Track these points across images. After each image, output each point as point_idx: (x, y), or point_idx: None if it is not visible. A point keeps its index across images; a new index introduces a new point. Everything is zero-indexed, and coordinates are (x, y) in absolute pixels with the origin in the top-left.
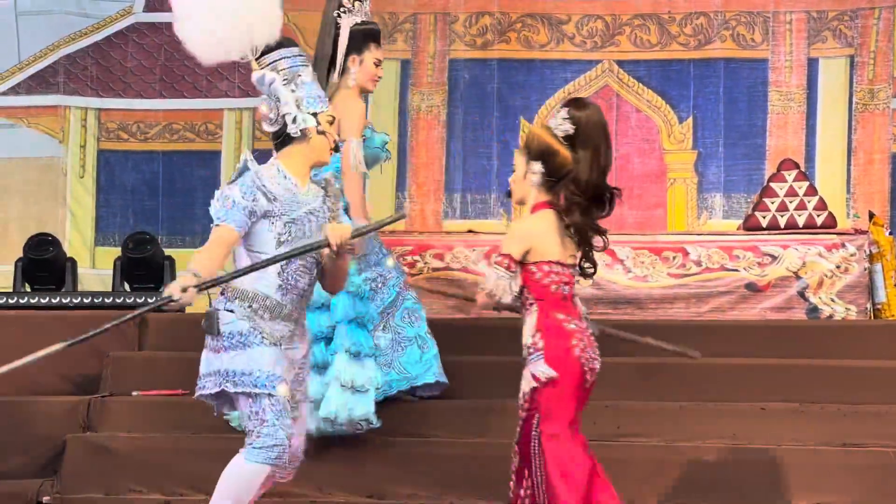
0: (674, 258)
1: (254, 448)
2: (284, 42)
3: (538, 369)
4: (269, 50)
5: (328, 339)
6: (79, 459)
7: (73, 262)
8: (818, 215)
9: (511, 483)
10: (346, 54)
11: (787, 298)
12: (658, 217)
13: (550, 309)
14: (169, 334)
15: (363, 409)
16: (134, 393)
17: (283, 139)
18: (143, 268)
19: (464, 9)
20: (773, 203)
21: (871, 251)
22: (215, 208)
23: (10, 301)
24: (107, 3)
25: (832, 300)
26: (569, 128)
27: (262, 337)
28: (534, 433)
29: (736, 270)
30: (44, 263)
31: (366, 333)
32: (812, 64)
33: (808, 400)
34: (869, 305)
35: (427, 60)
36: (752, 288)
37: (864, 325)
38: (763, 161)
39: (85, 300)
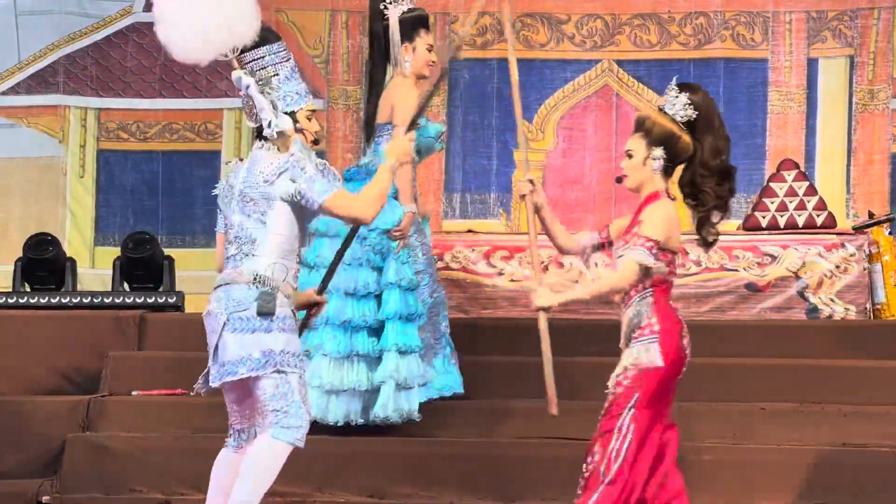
0: None
1: (282, 427)
2: (268, 37)
3: (649, 354)
4: (249, 48)
5: (371, 329)
6: (78, 459)
7: (73, 261)
8: (818, 215)
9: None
10: (399, 43)
11: (786, 298)
12: None
13: (665, 296)
14: (169, 334)
15: (408, 405)
16: (133, 393)
17: (262, 134)
18: (143, 267)
19: (463, 9)
20: (772, 203)
21: (870, 251)
22: (320, 185)
23: (10, 301)
24: (107, 3)
25: (832, 300)
26: (691, 113)
27: (293, 320)
28: (626, 411)
29: (735, 270)
30: (43, 263)
31: (414, 330)
32: (812, 64)
33: (807, 400)
34: (868, 305)
35: None
36: (751, 288)
37: (864, 324)
38: (763, 161)
39: (84, 300)
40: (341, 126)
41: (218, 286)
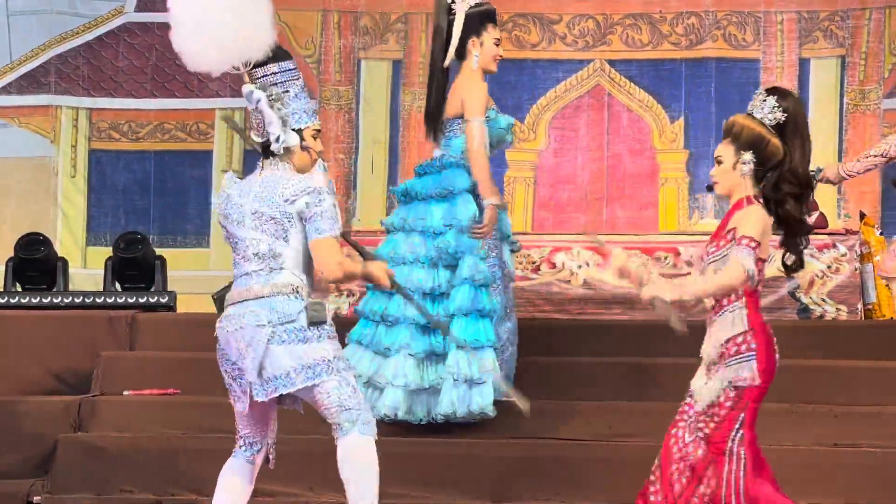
0: (665, 258)
1: (363, 423)
2: (280, 54)
3: (747, 372)
4: (261, 63)
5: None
6: (70, 459)
7: (65, 261)
8: (809, 216)
9: (669, 483)
10: (466, 38)
11: (778, 298)
12: (649, 217)
13: (756, 307)
14: (160, 334)
15: (481, 401)
16: (125, 392)
17: (269, 150)
18: (135, 267)
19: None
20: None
21: (861, 251)
22: (327, 225)
23: (1, 301)
24: (98, 3)
25: (823, 300)
26: (780, 116)
27: (334, 326)
28: (734, 434)
29: None
30: (35, 263)
31: (487, 324)
32: (803, 64)
33: (799, 400)
34: (860, 305)
35: (418, 60)
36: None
37: (855, 325)
38: None
39: (76, 300)
40: (333, 126)
41: (244, 300)
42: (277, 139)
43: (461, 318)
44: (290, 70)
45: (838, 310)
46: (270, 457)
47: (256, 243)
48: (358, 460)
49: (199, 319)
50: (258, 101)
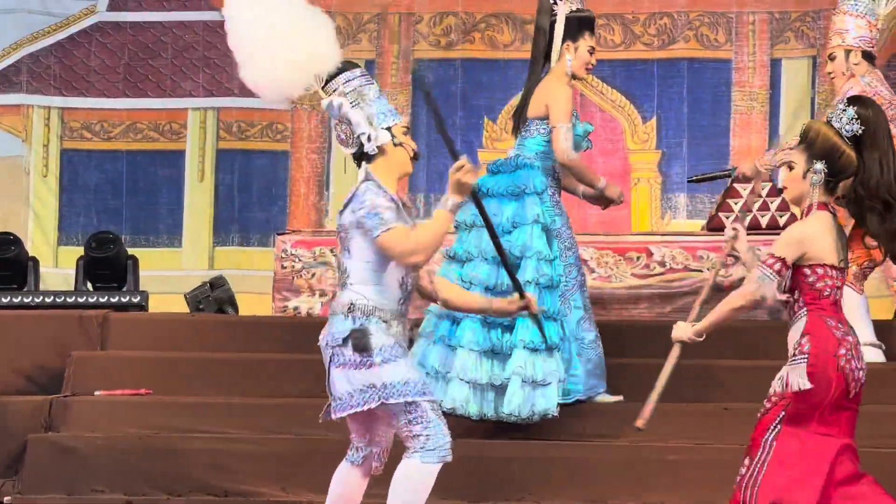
0: (637, 258)
1: (428, 450)
2: (346, 66)
3: (796, 376)
4: (332, 76)
5: (504, 326)
6: (41, 459)
7: (36, 261)
8: (781, 216)
9: None
10: (562, 41)
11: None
12: (622, 217)
13: (821, 313)
14: (132, 334)
15: (545, 402)
16: (97, 393)
17: (363, 158)
18: (107, 267)
19: (428, 9)
20: (736, 204)
21: None
22: (372, 223)
23: None
24: (70, 2)
25: None
26: (857, 128)
27: (401, 347)
28: (773, 426)
29: (699, 271)
30: (5, 263)
31: (550, 327)
32: (775, 64)
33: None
34: None
35: (391, 60)
36: (715, 288)
37: None
38: (727, 161)
39: (47, 300)
40: (306, 126)
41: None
42: (369, 138)
43: (525, 318)
44: (364, 75)
45: None
46: (375, 463)
47: (339, 257)
48: (408, 486)
49: (172, 319)
50: (340, 108)
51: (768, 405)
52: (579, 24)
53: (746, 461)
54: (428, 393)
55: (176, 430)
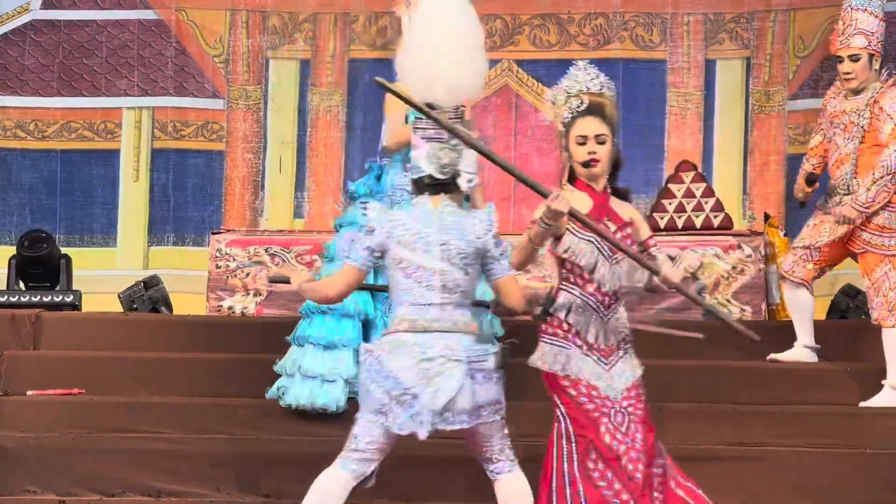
0: None
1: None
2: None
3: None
4: (454, 107)
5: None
6: None
7: None
8: (715, 216)
9: None
10: None
11: (684, 300)
12: None
13: None
14: (65, 333)
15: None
16: (29, 392)
17: (438, 185)
18: (39, 266)
19: (364, 9)
20: (671, 204)
21: (766, 252)
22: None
23: None
24: (3, 0)
25: (728, 301)
26: None
27: None
28: None
29: None
30: None
31: (347, 325)
32: (709, 65)
33: (704, 400)
34: (763, 306)
35: (326, 60)
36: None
37: (759, 325)
38: (661, 162)
39: None
40: (241, 126)
41: (434, 331)
42: (469, 180)
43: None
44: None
45: (743, 310)
46: (372, 481)
47: (444, 275)
48: (525, 496)
49: (105, 319)
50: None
51: None
52: None
53: None
54: None
55: (109, 430)
